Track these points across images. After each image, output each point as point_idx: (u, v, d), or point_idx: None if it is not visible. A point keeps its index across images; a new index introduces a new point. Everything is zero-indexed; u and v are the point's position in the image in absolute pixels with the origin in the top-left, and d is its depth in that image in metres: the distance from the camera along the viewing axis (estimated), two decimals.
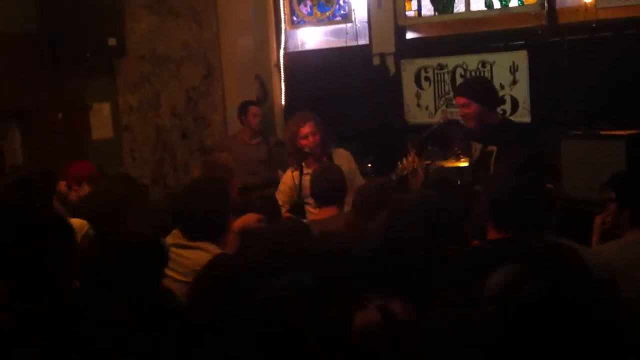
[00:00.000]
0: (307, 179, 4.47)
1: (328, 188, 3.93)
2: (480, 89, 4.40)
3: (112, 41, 5.90)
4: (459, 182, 4.70)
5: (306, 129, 4.67)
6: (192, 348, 2.10)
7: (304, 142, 4.67)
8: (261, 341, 1.86)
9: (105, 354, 2.16)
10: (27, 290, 2.27)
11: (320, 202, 4.00)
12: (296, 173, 4.65)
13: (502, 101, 4.56)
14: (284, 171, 5.09)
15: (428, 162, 4.67)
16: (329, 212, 3.86)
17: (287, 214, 4.39)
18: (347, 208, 3.86)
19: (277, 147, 6.18)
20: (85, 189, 4.36)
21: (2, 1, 5.46)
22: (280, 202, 4.69)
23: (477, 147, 4.33)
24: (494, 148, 4.17)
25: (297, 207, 4.59)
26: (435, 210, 2.39)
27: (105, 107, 6.57)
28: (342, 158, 4.73)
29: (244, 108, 6.24)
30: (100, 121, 6.52)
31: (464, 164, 5.13)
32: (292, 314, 1.96)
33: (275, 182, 5.19)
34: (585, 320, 2.21)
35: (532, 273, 2.12)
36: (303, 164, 4.63)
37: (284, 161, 5.31)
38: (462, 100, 4.28)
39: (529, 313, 2.14)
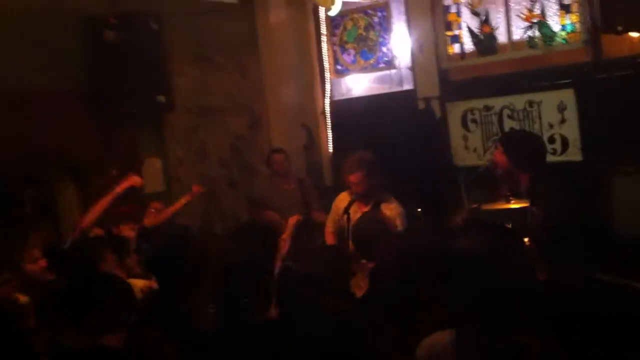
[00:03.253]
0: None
1: (364, 241, 3.87)
2: (513, 142, 4.38)
3: (161, 98, 6.06)
4: (509, 225, 4.57)
5: (353, 178, 4.68)
6: None
7: (351, 186, 4.69)
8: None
9: None
10: None
11: (360, 253, 3.93)
12: (344, 219, 4.61)
13: (532, 166, 4.43)
14: (326, 213, 5.20)
15: (475, 205, 4.58)
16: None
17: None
18: None
19: (324, 191, 6.19)
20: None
21: (53, 59, 5.66)
22: (328, 229, 4.89)
23: None
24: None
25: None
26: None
27: (157, 162, 6.69)
28: (389, 212, 4.64)
29: (268, 156, 6.42)
30: (152, 175, 6.63)
31: (514, 205, 4.99)
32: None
33: (311, 225, 5.23)
34: None
35: None
36: (351, 209, 4.59)
37: (328, 206, 5.31)
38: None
39: None
